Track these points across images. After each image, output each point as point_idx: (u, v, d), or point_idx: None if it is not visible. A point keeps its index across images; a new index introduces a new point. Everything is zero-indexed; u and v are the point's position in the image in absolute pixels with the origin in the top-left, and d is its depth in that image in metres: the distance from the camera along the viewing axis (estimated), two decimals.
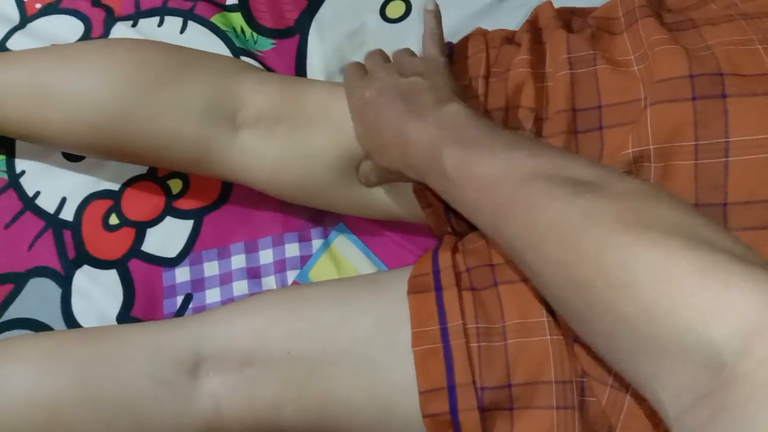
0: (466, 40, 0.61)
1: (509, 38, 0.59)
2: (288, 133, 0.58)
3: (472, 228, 0.59)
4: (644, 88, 0.49)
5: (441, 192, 0.47)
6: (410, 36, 0.78)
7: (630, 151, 0.48)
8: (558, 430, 0.48)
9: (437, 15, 0.59)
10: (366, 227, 0.72)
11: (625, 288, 0.32)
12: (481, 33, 0.60)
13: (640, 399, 0.46)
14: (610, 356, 0.35)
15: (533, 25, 0.58)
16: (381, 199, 0.59)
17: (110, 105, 0.57)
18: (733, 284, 0.28)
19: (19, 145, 0.74)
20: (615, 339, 0.33)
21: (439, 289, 0.53)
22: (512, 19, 0.73)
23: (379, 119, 0.51)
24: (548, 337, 0.49)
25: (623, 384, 0.47)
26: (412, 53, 0.58)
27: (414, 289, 0.54)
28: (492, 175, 0.42)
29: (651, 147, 0.47)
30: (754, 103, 0.45)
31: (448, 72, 0.54)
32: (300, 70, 0.77)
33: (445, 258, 0.55)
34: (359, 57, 0.77)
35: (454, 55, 0.60)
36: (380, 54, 0.59)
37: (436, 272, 0.54)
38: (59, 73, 0.59)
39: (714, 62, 0.47)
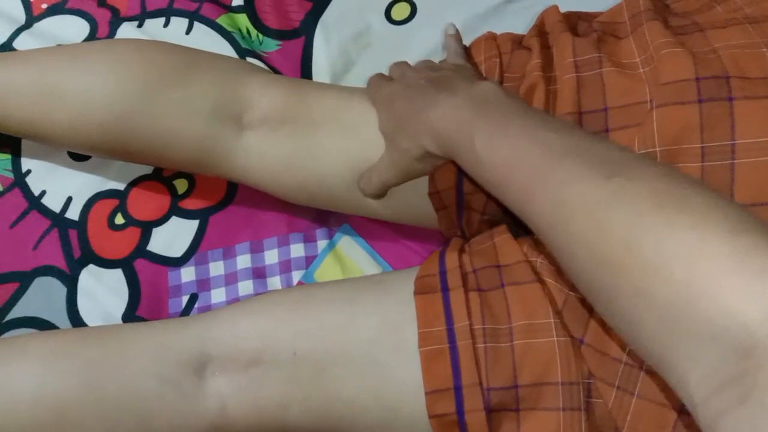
0: (477, 43, 0.61)
1: (518, 42, 0.59)
2: (293, 135, 0.58)
3: (481, 231, 0.59)
4: (650, 91, 0.50)
5: (467, 166, 0.47)
6: (415, 38, 0.78)
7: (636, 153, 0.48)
8: (564, 431, 0.48)
9: (458, 38, 0.62)
10: (371, 228, 0.72)
11: (658, 269, 0.32)
12: (492, 37, 0.61)
13: (646, 400, 0.47)
14: (635, 337, 0.35)
15: (540, 30, 0.58)
16: (386, 201, 0.59)
17: (116, 104, 0.57)
18: None
19: (25, 145, 0.74)
20: (643, 320, 0.33)
21: (445, 289, 0.53)
22: (518, 21, 0.73)
23: (408, 104, 0.52)
24: (555, 339, 0.49)
25: (630, 386, 0.47)
26: (432, 62, 0.60)
27: (420, 290, 0.54)
28: (521, 151, 0.42)
29: (657, 149, 0.48)
30: (760, 105, 0.46)
31: (473, 71, 0.56)
32: (305, 71, 0.78)
33: (452, 259, 0.55)
34: (365, 58, 0.78)
35: (468, 58, 0.60)
36: (405, 63, 0.61)
37: (443, 273, 0.54)
38: (65, 73, 0.59)
39: (720, 65, 0.48)
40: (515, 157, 0.42)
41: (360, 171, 0.57)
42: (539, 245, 0.55)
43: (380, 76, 0.59)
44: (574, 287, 0.50)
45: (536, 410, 0.49)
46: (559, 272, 0.51)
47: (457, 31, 0.62)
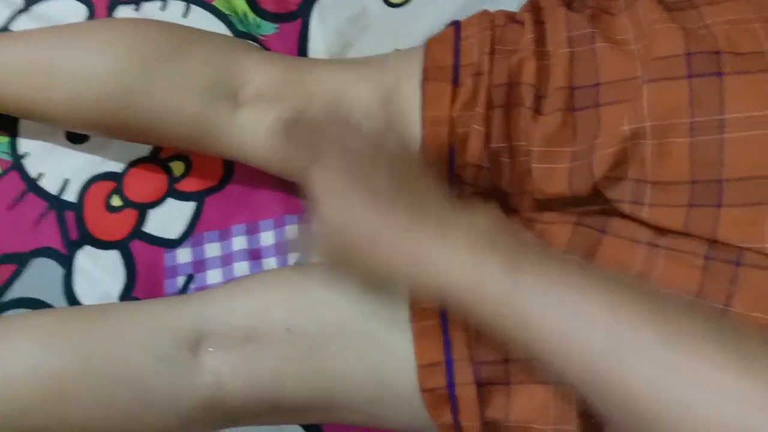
0: (472, 19, 0.61)
1: (512, 17, 0.59)
2: (287, 110, 0.58)
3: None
4: (641, 66, 0.50)
5: (490, 321, 0.38)
6: (412, 20, 0.78)
7: (626, 128, 0.48)
8: (554, 404, 0.49)
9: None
10: None
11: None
12: (486, 13, 0.61)
13: None
14: None
15: (535, 5, 0.58)
16: None
17: (113, 81, 0.57)
18: None
19: (23, 127, 0.74)
20: None
21: None
22: (516, 3, 0.73)
23: (373, 210, 0.42)
24: None
25: None
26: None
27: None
28: (586, 317, 0.34)
29: (647, 124, 0.48)
30: (750, 80, 0.46)
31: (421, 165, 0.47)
32: (302, 54, 0.78)
33: None
34: (362, 41, 0.78)
35: (461, 32, 0.60)
36: (340, 120, 0.49)
37: None
38: (62, 51, 0.59)
39: (712, 41, 0.48)
40: (578, 324, 0.34)
41: None
42: (530, 222, 0.55)
43: (305, 131, 0.48)
44: None
45: (527, 384, 0.49)
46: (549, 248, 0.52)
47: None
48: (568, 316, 0.35)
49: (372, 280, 0.44)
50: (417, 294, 0.43)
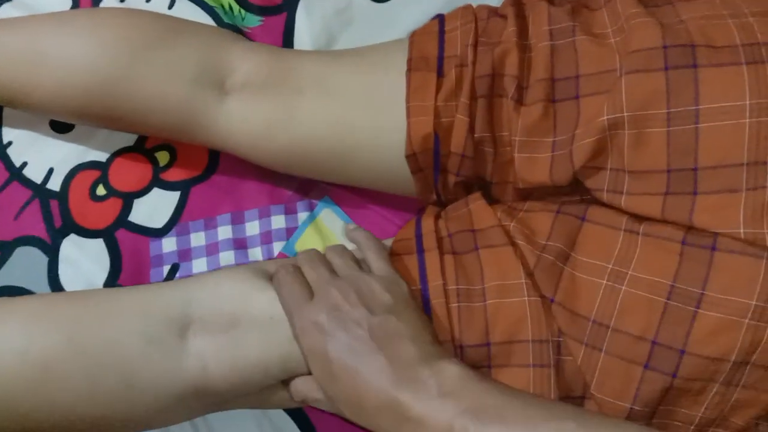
0: (456, 12, 0.62)
1: (495, 11, 0.60)
2: (275, 100, 0.59)
3: (457, 197, 0.61)
4: (620, 59, 0.51)
5: None
6: (397, 15, 0.79)
7: (605, 118, 0.50)
8: (534, 387, 0.50)
9: (359, 227, 0.58)
10: (351, 200, 0.73)
11: None
12: (469, 7, 0.62)
13: (614, 357, 0.48)
14: None
15: (517, 0, 0.60)
16: (366, 168, 0.61)
17: (100, 68, 0.58)
18: None
19: (6, 116, 0.74)
20: None
21: (420, 251, 0.54)
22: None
23: (353, 371, 0.46)
24: (526, 298, 0.51)
25: (598, 343, 0.49)
26: (355, 262, 0.54)
27: (397, 252, 0.55)
28: None
29: (625, 114, 0.49)
30: (723, 72, 0.47)
31: (411, 296, 0.51)
32: (287, 47, 0.78)
33: (427, 224, 0.57)
34: (347, 35, 0.79)
35: (445, 25, 0.61)
36: (320, 260, 0.54)
37: (419, 236, 0.56)
38: (49, 38, 0.59)
39: (687, 35, 0.49)
40: None
41: (343, 136, 0.59)
42: (512, 211, 0.56)
43: (292, 277, 0.52)
44: (546, 249, 0.52)
45: (507, 367, 0.51)
46: (532, 235, 0.53)
47: (356, 226, 0.58)
48: None
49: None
50: None
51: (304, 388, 0.52)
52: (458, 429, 0.42)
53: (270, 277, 0.55)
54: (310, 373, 0.52)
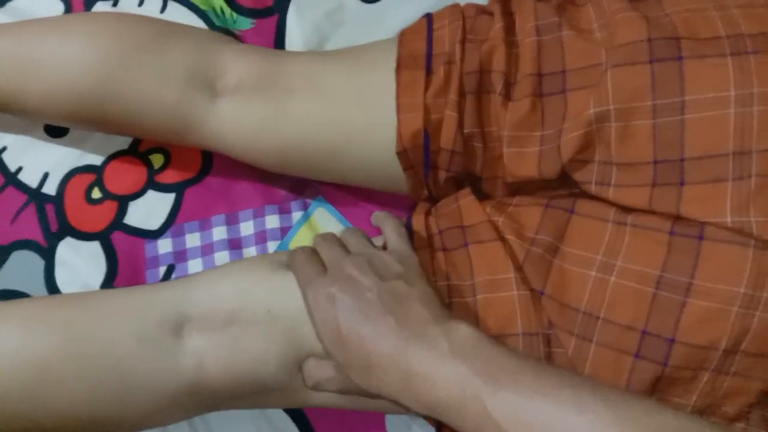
0: (443, 11, 0.63)
1: (482, 9, 0.61)
2: (267, 101, 0.60)
3: (448, 193, 0.61)
4: (606, 53, 0.52)
5: (470, 427, 0.42)
6: (388, 16, 0.80)
7: (591, 111, 0.50)
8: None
9: (388, 215, 0.57)
10: (344, 199, 0.74)
11: None
12: (457, 6, 0.63)
13: (605, 347, 0.49)
14: None
15: None
16: (358, 165, 0.61)
17: (92, 72, 0.58)
18: None
19: (1, 121, 0.74)
20: None
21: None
22: None
23: (362, 333, 0.46)
24: (515, 292, 0.52)
25: (588, 334, 0.49)
26: (368, 241, 0.54)
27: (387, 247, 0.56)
28: (555, 422, 0.40)
29: (611, 107, 0.50)
30: (708, 64, 0.48)
31: (420, 268, 0.51)
32: (279, 48, 0.79)
33: (418, 221, 0.57)
34: (338, 36, 0.79)
35: (433, 23, 0.61)
36: (336, 240, 0.54)
37: (410, 235, 0.56)
38: (42, 43, 0.60)
39: (672, 27, 0.50)
40: (552, 424, 0.40)
41: (335, 135, 0.59)
42: (501, 206, 0.57)
43: (308, 256, 0.52)
44: (535, 242, 0.52)
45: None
46: (521, 229, 0.54)
47: (383, 212, 0.58)
48: (539, 426, 0.39)
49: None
50: (407, 407, 0.45)
51: (315, 370, 0.52)
52: (470, 390, 0.41)
53: (283, 266, 0.56)
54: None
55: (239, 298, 0.54)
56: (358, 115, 0.60)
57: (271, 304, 0.53)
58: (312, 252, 0.53)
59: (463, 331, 0.44)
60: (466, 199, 0.58)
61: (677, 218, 0.48)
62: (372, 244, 0.54)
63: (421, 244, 0.55)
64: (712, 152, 0.47)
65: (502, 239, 0.54)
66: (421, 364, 0.43)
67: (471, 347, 0.43)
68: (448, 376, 0.42)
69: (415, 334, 0.45)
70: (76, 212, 0.72)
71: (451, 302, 0.52)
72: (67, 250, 0.71)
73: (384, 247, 0.56)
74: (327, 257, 0.52)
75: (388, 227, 0.56)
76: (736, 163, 0.47)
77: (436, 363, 0.43)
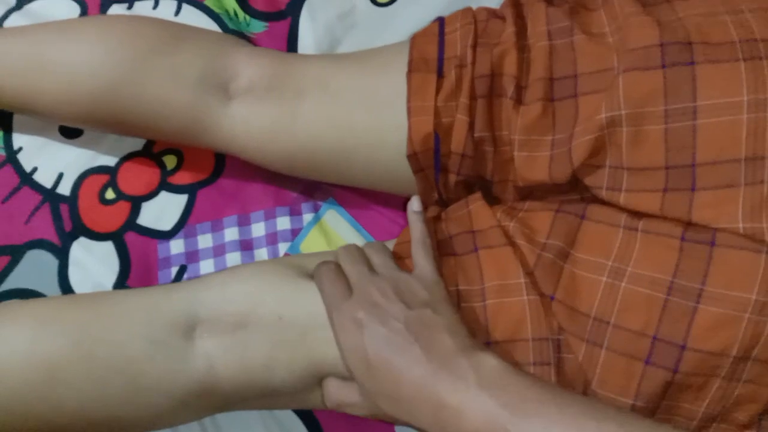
0: (455, 15, 0.63)
1: (494, 13, 0.61)
2: (279, 103, 0.60)
3: (458, 196, 0.61)
4: (617, 57, 0.52)
5: None
6: (399, 18, 0.80)
7: (603, 116, 0.50)
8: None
9: (423, 218, 0.56)
10: (355, 201, 0.74)
11: None
12: (469, 9, 0.63)
13: (615, 353, 0.49)
14: None
15: (516, 1, 0.60)
16: (368, 168, 0.62)
17: (105, 74, 0.59)
18: None
19: (17, 122, 0.75)
20: None
21: None
22: (496, 0, 0.75)
23: (390, 363, 0.46)
24: (525, 297, 0.51)
25: (599, 339, 0.49)
26: (393, 261, 0.54)
27: (399, 255, 0.56)
28: None
29: (623, 112, 0.50)
30: (720, 69, 0.48)
31: (449, 295, 0.51)
32: (291, 51, 0.79)
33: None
34: (350, 38, 0.80)
35: (445, 27, 0.62)
36: (360, 257, 0.54)
37: None
38: (56, 44, 0.60)
39: (684, 32, 0.50)
40: None
41: (346, 137, 0.59)
42: (512, 211, 0.57)
43: (335, 275, 0.52)
44: (546, 248, 0.52)
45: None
46: (531, 234, 0.53)
47: (421, 205, 0.57)
48: None
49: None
50: None
51: (337, 392, 0.52)
52: (496, 422, 0.42)
53: (295, 272, 0.56)
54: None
55: (250, 302, 0.55)
56: (369, 118, 0.60)
57: (282, 311, 0.54)
58: (337, 269, 0.53)
59: (489, 362, 0.45)
60: (476, 204, 0.58)
61: (689, 224, 0.48)
62: (396, 264, 0.54)
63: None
64: (724, 157, 0.47)
65: (513, 244, 0.54)
66: (449, 396, 0.44)
67: (499, 379, 0.44)
68: (476, 408, 0.43)
69: (442, 364, 0.45)
70: (90, 212, 0.73)
71: (461, 306, 0.52)
72: (81, 250, 0.71)
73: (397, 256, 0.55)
74: (352, 276, 0.52)
75: (416, 242, 0.55)
76: (748, 169, 0.46)
77: (464, 396, 0.43)
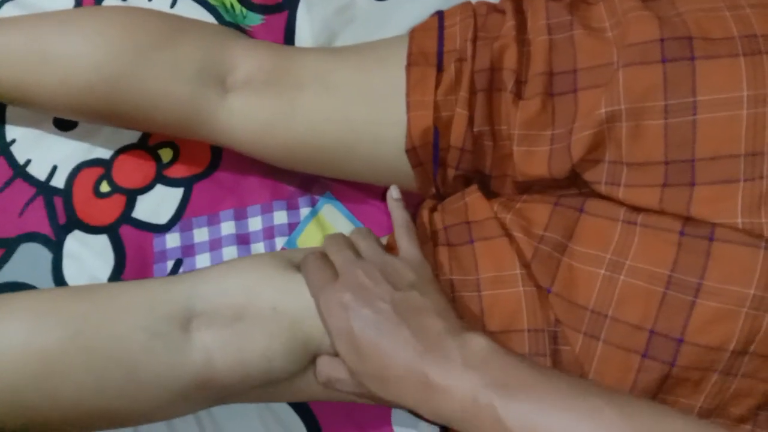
0: (455, 8, 0.62)
1: (494, 7, 0.61)
2: (277, 96, 0.60)
3: (456, 191, 0.61)
4: (617, 52, 0.52)
5: None
6: (397, 13, 0.80)
7: (603, 111, 0.50)
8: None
9: (402, 204, 0.57)
10: (352, 196, 0.74)
11: None
12: (468, 3, 0.63)
13: (612, 345, 0.49)
14: None
15: None
16: (366, 162, 0.61)
17: (103, 66, 0.58)
18: None
19: (10, 114, 0.75)
20: None
21: None
22: None
23: (377, 345, 0.46)
24: (521, 289, 0.52)
25: (596, 332, 0.49)
26: (379, 245, 0.54)
27: (393, 246, 0.56)
28: (568, 431, 0.40)
29: (622, 107, 0.50)
30: (719, 64, 0.48)
31: (435, 277, 0.51)
32: (289, 45, 0.79)
33: (420, 216, 0.57)
34: (348, 32, 0.79)
35: (444, 20, 0.61)
36: (346, 243, 0.54)
37: None
38: (54, 36, 0.60)
39: (684, 27, 0.50)
40: None
41: (344, 131, 0.59)
42: (509, 203, 0.57)
43: (320, 262, 0.52)
44: (543, 240, 0.52)
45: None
46: (529, 226, 0.54)
47: (400, 194, 0.58)
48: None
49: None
50: (423, 415, 0.46)
51: (327, 368, 0.52)
52: (483, 401, 0.41)
53: (291, 265, 0.56)
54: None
55: (246, 294, 0.54)
56: (367, 112, 0.60)
57: (276, 301, 0.54)
58: (323, 257, 0.53)
59: (477, 342, 0.45)
60: (473, 195, 0.58)
61: (687, 219, 0.48)
62: (383, 248, 0.54)
63: (424, 238, 0.55)
64: (723, 153, 0.47)
65: (509, 236, 0.54)
66: (436, 376, 0.44)
67: (484, 358, 0.44)
68: (462, 387, 0.43)
69: (430, 346, 0.45)
70: (85, 205, 0.72)
71: (455, 296, 0.52)
72: (75, 243, 0.71)
73: (390, 247, 0.55)
74: (338, 261, 0.52)
75: (399, 227, 0.55)
76: (747, 164, 0.47)
77: (450, 375, 0.43)
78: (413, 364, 0.45)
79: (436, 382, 0.43)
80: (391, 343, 0.46)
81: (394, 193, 0.58)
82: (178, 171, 0.74)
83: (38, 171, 0.74)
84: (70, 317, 0.53)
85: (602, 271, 0.50)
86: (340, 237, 0.55)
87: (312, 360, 0.54)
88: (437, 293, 0.49)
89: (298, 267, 0.57)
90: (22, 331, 0.52)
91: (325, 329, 0.50)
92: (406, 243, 0.54)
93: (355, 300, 0.48)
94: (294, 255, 0.60)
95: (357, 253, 0.53)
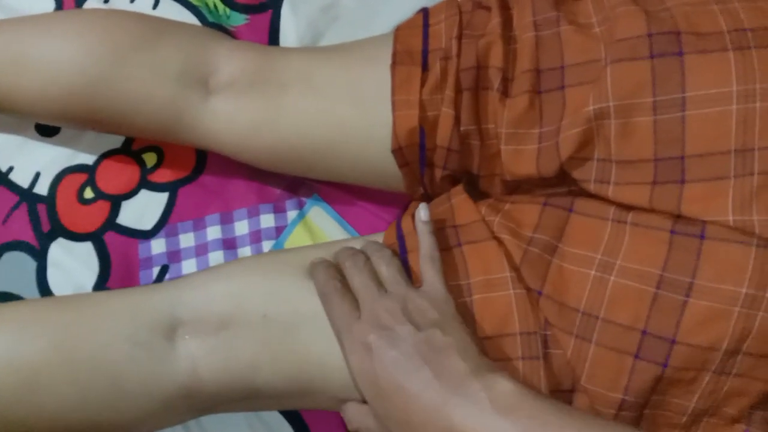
0: (440, 6, 0.62)
1: (479, 4, 0.60)
2: (261, 98, 0.59)
3: (444, 191, 0.61)
4: (605, 48, 0.51)
5: None
6: (383, 11, 0.79)
7: (591, 108, 0.50)
8: (525, 379, 0.50)
9: (431, 229, 0.53)
10: (340, 197, 0.73)
11: None
12: (454, 0, 0.62)
13: (604, 347, 0.48)
14: None
15: None
16: (353, 163, 0.61)
17: (84, 70, 0.58)
18: None
19: None
20: None
21: (404, 252, 0.54)
22: None
23: (400, 388, 0.45)
24: (512, 292, 0.51)
25: (588, 334, 0.49)
26: (401, 274, 0.52)
27: (415, 272, 0.54)
28: None
29: (611, 104, 0.49)
30: (709, 59, 0.47)
31: (458, 313, 0.49)
32: (273, 45, 0.78)
33: (407, 223, 0.56)
34: (333, 31, 0.78)
35: (429, 18, 0.61)
36: (366, 266, 0.52)
37: (401, 238, 0.55)
38: (34, 40, 0.59)
39: (672, 22, 0.49)
40: None
41: (330, 132, 0.58)
42: (497, 205, 0.56)
43: (340, 290, 0.51)
44: (532, 242, 0.52)
45: (498, 361, 0.50)
46: (518, 228, 0.53)
47: (429, 216, 0.54)
48: None
49: None
50: None
51: (356, 416, 0.51)
52: None
53: (279, 267, 0.55)
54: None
55: (233, 301, 0.54)
56: (352, 112, 0.59)
57: (267, 309, 0.53)
58: (344, 287, 0.51)
59: (503, 384, 0.44)
60: (458, 197, 0.58)
61: (678, 217, 0.48)
62: (405, 276, 0.52)
63: (413, 246, 0.54)
64: (713, 149, 0.46)
65: (497, 238, 0.53)
66: (462, 420, 0.43)
67: (514, 402, 0.43)
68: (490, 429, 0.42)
69: (454, 388, 0.44)
70: (69, 212, 0.71)
71: None
72: (60, 251, 0.70)
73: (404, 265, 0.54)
74: (360, 292, 0.51)
75: (425, 257, 0.52)
76: (738, 161, 0.46)
77: (478, 420, 0.42)
78: (437, 408, 0.44)
79: (463, 427, 0.42)
80: (414, 386, 0.45)
81: (423, 214, 0.54)
82: (162, 176, 0.73)
83: (21, 178, 0.73)
84: (53, 329, 0.53)
85: (592, 272, 0.49)
86: (358, 257, 0.53)
87: (299, 371, 0.53)
88: (460, 330, 0.48)
89: (286, 269, 0.56)
90: (4, 343, 0.52)
91: (348, 368, 0.50)
92: (431, 275, 0.51)
93: (378, 341, 0.47)
94: (282, 256, 0.60)
95: (376, 278, 0.52)
